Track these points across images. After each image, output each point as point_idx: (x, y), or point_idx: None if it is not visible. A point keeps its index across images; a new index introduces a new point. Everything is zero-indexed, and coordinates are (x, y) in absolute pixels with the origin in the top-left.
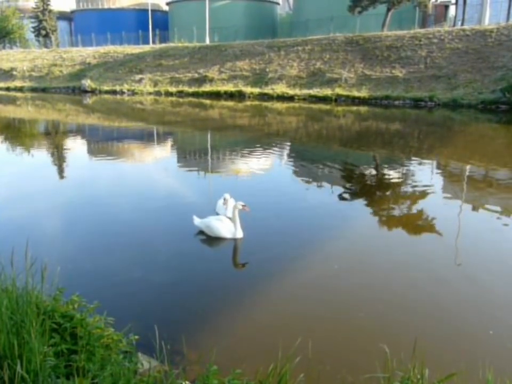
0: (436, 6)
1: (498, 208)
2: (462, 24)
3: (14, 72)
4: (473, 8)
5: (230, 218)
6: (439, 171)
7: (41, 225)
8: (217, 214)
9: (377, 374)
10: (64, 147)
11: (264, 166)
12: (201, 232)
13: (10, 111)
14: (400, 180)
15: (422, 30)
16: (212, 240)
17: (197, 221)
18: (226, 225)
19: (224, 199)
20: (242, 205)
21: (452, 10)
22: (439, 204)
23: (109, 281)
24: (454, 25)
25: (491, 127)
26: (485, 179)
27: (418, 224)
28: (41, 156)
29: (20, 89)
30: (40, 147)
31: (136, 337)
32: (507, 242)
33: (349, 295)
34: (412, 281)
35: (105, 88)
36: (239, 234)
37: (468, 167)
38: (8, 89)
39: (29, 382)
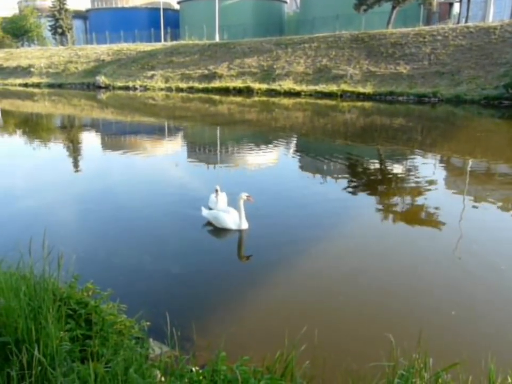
0: (440, 3)
1: (500, 202)
2: (466, 22)
3: (32, 69)
4: (477, 6)
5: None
6: (442, 165)
7: (58, 215)
8: (210, 208)
9: (382, 363)
10: (79, 140)
11: (271, 159)
12: (209, 223)
13: (28, 106)
14: (402, 173)
15: (427, 27)
16: (219, 230)
17: (205, 212)
18: (232, 217)
19: (216, 191)
20: (247, 196)
21: (456, 8)
22: (441, 197)
23: (122, 269)
24: (458, 23)
25: (494, 122)
26: (487, 173)
27: (421, 217)
28: (57, 148)
29: (37, 85)
30: (56, 140)
31: (148, 323)
32: (509, 235)
33: (354, 285)
34: (415, 273)
35: (119, 84)
36: (244, 225)
37: (470, 161)
38: (26, 85)
39: (45, 365)
